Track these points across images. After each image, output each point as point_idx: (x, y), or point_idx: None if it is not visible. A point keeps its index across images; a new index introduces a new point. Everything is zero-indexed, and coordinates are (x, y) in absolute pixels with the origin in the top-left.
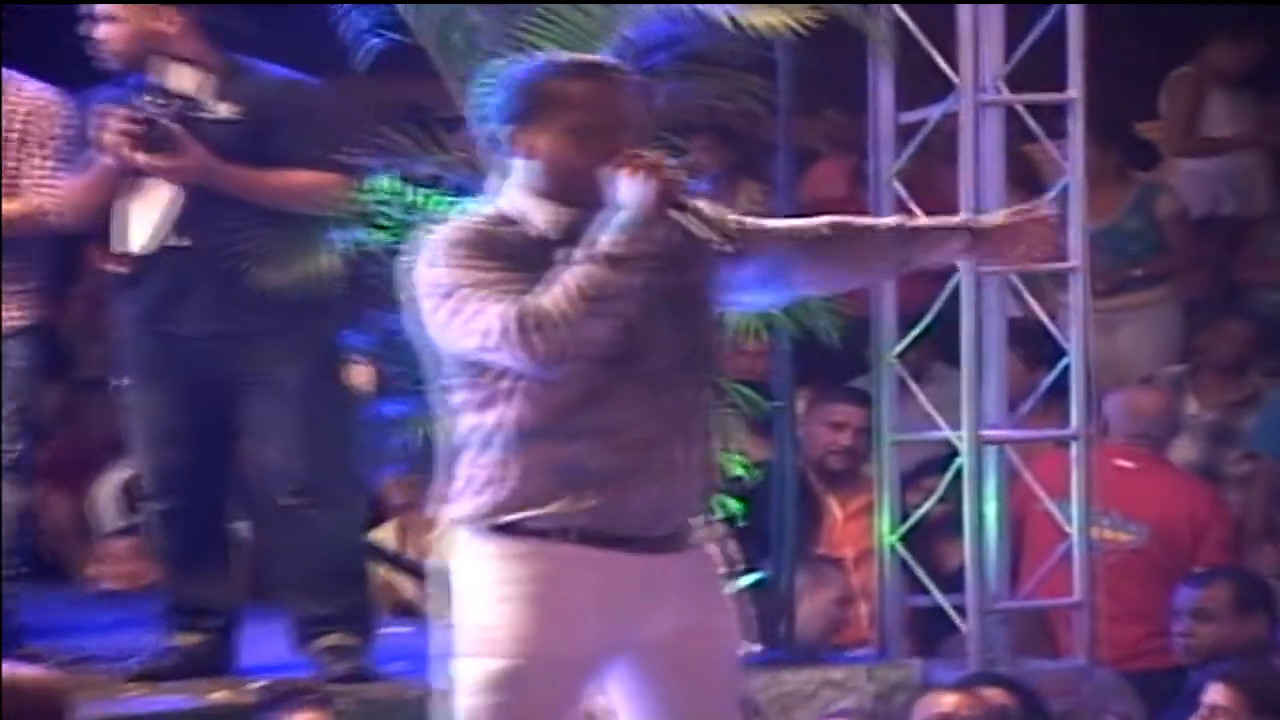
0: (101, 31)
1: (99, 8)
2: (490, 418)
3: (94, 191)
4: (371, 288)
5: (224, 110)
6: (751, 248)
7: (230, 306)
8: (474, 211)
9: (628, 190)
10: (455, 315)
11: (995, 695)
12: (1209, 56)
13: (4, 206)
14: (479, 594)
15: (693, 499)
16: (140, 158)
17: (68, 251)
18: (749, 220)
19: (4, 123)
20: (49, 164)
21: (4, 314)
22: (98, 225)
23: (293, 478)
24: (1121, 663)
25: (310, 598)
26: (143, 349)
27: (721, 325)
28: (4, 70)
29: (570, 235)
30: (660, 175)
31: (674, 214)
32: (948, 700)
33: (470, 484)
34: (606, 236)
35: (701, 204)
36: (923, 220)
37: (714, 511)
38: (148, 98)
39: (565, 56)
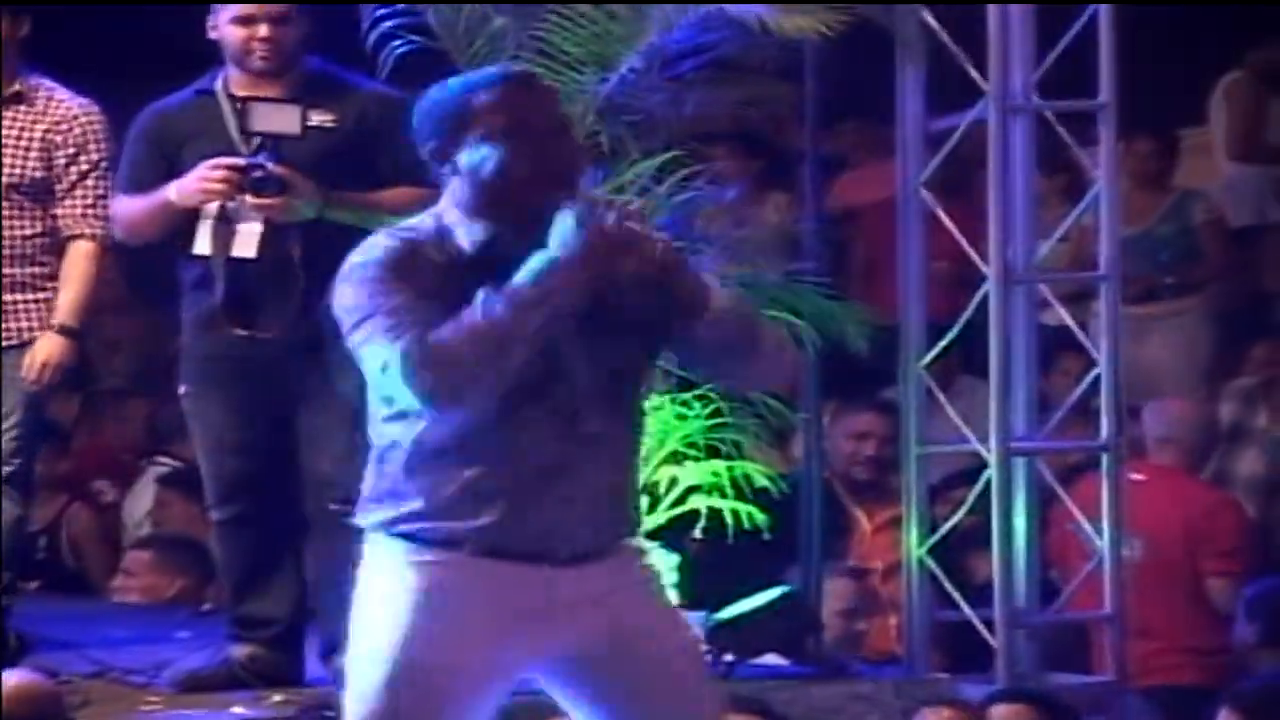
0: (271, 32)
1: (259, 8)
2: (398, 431)
3: (158, 222)
4: None
5: (319, 118)
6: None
7: (291, 315)
8: (408, 226)
9: (559, 231)
10: (364, 342)
11: (1020, 712)
12: (1263, 60)
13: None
14: (374, 597)
15: (587, 530)
16: (247, 200)
17: None
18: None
19: (27, 131)
20: (89, 178)
21: (15, 325)
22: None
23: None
24: (1131, 679)
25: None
26: (205, 355)
27: (647, 366)
28: (33, 78)
29: (492, 254)
30: (598, 226)
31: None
32: (944, 714)
33: (375, 493)
34: (524, 280)
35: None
36: None
37: (631, 535)
38: (249, 134)
39: (480, 72)
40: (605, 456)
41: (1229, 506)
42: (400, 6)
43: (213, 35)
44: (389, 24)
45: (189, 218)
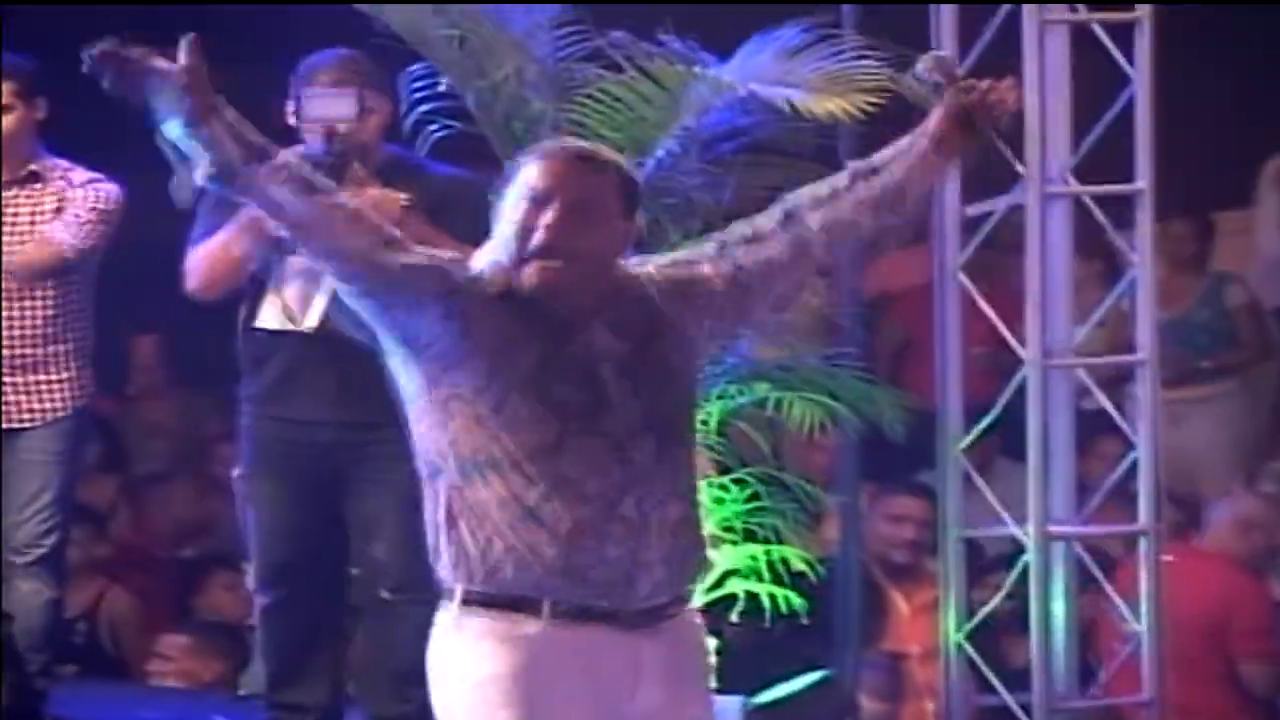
0: (353, 126)
1: (349, 99)
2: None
3: (226, 260)
4: None
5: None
6: (744, 292)
7: (349, 396)
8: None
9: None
10: None
11: None
12: None
13: (28, 251)
14: (460, 680)
15: (660, 565)
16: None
17: (121, 345)
18: (732, 262)
19: (40, 208)
20: (84, 210)
21: (40, 405)
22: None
23: (395, 573)
24: None
25: (389, 694)
26: (258, 437)
27: (694, 393)
28: (50, 159)
29: (508, 294)
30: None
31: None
32: None
33: (437, 552)
34: None
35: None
36: (879, 156)
37: (694, 584)
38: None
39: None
40: (656, 488)
41: (1257, 587)
42: (439, 91)
43: (291, 121)
44: (427, 106)
45: (254, 294)
